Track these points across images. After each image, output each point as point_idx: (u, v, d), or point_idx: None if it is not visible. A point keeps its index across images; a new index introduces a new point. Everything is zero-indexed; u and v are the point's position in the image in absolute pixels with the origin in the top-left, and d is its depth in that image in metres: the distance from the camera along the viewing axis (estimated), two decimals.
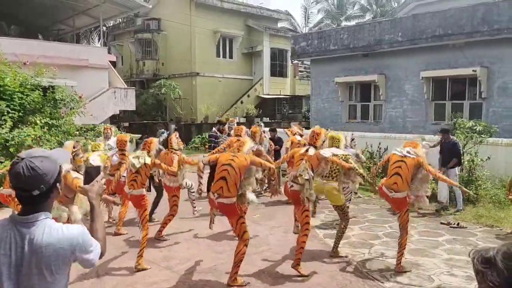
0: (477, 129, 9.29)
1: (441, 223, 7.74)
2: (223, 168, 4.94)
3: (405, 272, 5.45)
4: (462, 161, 8.77)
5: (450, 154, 8.48)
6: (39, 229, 1.81)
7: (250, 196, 5.05)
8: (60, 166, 1.94)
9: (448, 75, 13.67)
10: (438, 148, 8.66)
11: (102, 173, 2.46)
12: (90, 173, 2.20)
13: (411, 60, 14.47)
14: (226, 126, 10.37)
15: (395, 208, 5.85)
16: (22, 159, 1.84)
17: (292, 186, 5.41)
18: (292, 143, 8.34)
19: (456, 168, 8.55)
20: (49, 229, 1.83)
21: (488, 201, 8.70)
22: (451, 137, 8.65)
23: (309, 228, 5.47)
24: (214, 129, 11.29)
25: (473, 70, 12.73)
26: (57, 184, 1.91)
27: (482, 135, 9.23)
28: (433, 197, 9.01)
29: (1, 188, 6.36)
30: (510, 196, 7.17)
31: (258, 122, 11.61)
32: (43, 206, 1.88)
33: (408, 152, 5.52)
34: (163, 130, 9.17)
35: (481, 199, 8.81)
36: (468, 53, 13.01)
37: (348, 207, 6.28)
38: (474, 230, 7.35)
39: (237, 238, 5.28)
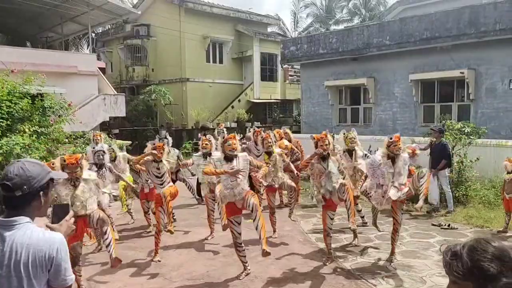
0: (466, 131, 9.38)
1: (432, 225, 7.79)
2: None
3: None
4: (452, 162, 8.85)
5: (439, 156, 8.55)
6: (20, 231, 1.83)
7: None
8: (50, 179, 1.97)
9: (436, 78, 13.80)
10: (428, 150, 8.74)
11: (71, 212, 2.44)
12: (57, 212, 2.14)
13: (400, 63, 14.59)
14: (216, 132, 10.35)
15: None
16: (19, 161, 1.97)
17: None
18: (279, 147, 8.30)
19: (446, 169, 8.63)
20: (30, 232, 1.84)
21: (478, 201, 8.78)
22: (441, 138, 8.73)
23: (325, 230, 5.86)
24: (199, 135, 11.30)
25: (460, 72, 12.87)
26: (41, 193, 1.92)
27: (471, 137, 9.32)
28: (423, 199, 9.09)
29: None
30: (507, 196, 7.21)
31: (251, 127, 11.58)
32: (25, 211, 1.89)
33: None
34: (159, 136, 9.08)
35: (471, 200, 8.89)
36: (456, 56, 13.15)
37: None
38: (465, 230, 7.41)
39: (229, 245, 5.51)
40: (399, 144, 5.76)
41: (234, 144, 5.39)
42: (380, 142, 11.01)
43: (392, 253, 6.02)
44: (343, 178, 5.89)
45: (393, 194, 5.63)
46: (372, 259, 6.11)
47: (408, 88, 14.46)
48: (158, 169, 6.32)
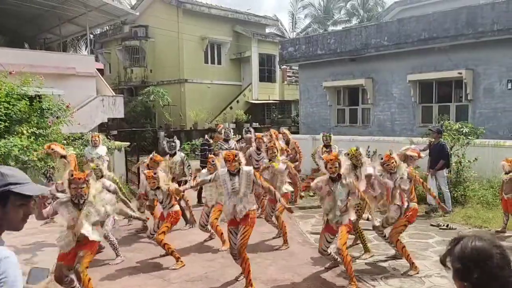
0: (464, 131, 9.39)
1: (431, 225, 7.81)
2: None
3: None
4: (450, 162, 8.86)
5: (438, 156, 8.58)
6: None
7: None
8: (12, 191, 1.79)
9: (434, 78, 13.81)
10: (427, 151, 8.77)
11: (48, 277, 2.39)
12: (36, 275, 1.97)
13: (398, 63, 14.60)
14: (223, 132, 10.28)
15: None
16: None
17: None
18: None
19: (444, 170, 8.65)
20: None
21: (476, 202, 8.79)
22: (440, 139, 8.76)
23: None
24: (206, 136, 11.31)
25: (458, 73, 12.88)
26: None
27: (469, 137, 9.33)
28: (422, 199, 9.10)
29: None
30: (505, 196, 7.22)
31: (247, 128, 11.58)
32: None
33: None
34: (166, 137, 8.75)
35: (470, 200, 8.91)
36: (453, 56, 13.17)
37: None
38: (463, 231, 7.41)
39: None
40: (392, 163, 5.67)
41: (234, 165, 5.17)
42: (379, 142, 11.06)
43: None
44: (364, 204, 5.75)
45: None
46: (371, 260, 6.11)
47: (406, 88, 14.48)
48: (156, 195, 6.21)
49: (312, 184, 5.39)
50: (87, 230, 4.56)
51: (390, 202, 5.74)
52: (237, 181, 5.17)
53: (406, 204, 5.71)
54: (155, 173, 6.15)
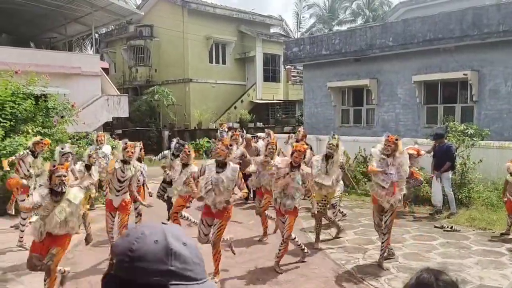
0: (469, 132, 9.35)
1: (435, 227, 7.77)
2: None
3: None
4: (455, 164, 8.82)
5: (443, 158, 8.53)
6: None
7: None
8: None
9: (440, 79, 13.76)
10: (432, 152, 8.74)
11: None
12: None
13: (403, 64, 14.56)
14: (218, 133, 10.33)
15: None
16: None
17: None
18: None
19: (449, 171, 8.61)
20: None
21: (480, 203, 8.76)
22: (445, 140, 8.72)
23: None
24: (230, 132, 11.42)
25: (464, 74, 12.83)
26: None
27: (474, 138, 9.29)
28: (427, 201, 9.08)
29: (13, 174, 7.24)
30: (505, 198, 7.21)
31: (238, 129, 11.76)
32: None
33: None
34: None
35: (474, 202, 8.87)
36: (459, 57, 13.12)
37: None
38: (467, 233, 7.39)
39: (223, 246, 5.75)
40: (389, 146, 5.82)
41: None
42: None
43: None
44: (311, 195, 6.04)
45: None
46: (374, 261, 6.09)
47: (411, 89, 14.44)
48: (123, 171, 5.99)
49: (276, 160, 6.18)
50: (56, 225, 4.47)
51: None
52: (222, 172, 5.33)
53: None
54: (126, 143, 6.20)
